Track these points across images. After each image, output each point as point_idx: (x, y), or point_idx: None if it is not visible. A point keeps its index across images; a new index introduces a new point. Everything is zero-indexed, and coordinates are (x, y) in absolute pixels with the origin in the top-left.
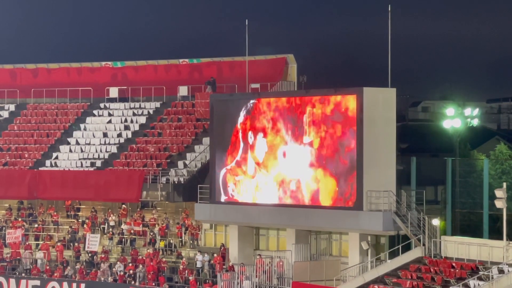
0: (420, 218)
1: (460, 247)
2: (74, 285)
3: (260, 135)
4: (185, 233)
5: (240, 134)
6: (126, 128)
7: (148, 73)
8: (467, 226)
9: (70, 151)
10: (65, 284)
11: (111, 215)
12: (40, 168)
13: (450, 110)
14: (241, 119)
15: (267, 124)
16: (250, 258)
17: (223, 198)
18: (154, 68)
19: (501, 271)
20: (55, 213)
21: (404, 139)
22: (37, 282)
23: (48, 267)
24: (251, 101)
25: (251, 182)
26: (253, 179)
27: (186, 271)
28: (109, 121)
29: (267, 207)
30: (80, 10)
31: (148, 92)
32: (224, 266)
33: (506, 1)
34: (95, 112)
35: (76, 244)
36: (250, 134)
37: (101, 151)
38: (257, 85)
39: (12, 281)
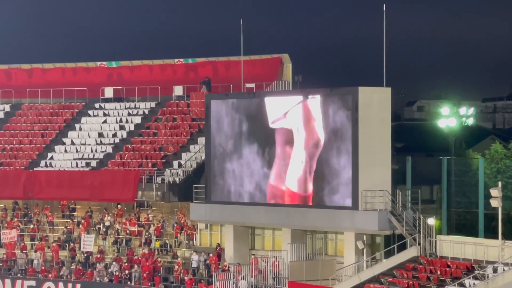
0: (416, 218)
1: (455, 246)
2: (70, 285)
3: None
4: (180, 233)
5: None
6: (121, 128)
7: (143, 73)
8: (462, 225)
9: (65, 151)
10: (60, 285)
11: (107, 215)
12: (35, 169)
13: (445, 109)
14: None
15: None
16: (246, 258)
17: (218, 198)
18: (149, 68)
19: (496, 271)
20: (50, 213)
21: (399, 139)
22: (33, 283)
23: (43, 268)
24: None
25: (245, 182)
26: (247, 179)
27: (182, 271)
28: (104, 121)
29: (262, 206)
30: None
31: (143, 92)
32: (219, 266)
33: (500, 2)
34: (90, 112)
35: (71, 244)
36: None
37: (96, 151)
38: (252, 85)
39: (8, 281)
